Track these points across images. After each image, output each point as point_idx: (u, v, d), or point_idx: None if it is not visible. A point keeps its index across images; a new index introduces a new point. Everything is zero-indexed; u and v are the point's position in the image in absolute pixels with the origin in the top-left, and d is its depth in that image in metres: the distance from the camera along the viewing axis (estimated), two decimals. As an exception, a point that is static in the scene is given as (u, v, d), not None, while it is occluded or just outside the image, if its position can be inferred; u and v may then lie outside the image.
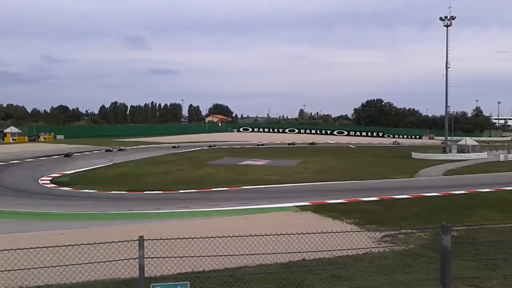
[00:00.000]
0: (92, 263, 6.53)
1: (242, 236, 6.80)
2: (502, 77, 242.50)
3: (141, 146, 62.50)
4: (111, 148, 54.23)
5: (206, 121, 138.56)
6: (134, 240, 5.86)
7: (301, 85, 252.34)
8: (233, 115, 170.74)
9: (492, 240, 8.17)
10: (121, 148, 56.01)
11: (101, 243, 6.06)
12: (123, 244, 6.17)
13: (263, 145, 66.62)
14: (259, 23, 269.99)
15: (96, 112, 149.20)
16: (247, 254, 7.25)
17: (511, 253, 7.83)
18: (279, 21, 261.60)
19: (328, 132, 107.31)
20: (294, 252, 7.67)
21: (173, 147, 58.72)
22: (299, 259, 9.42)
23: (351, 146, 71.28)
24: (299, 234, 6.78)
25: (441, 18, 50.39)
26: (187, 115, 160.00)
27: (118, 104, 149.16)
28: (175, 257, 6.61)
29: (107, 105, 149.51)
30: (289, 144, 70.47)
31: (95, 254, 6.48)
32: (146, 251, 5.87)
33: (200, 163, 41.39)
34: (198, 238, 6.49)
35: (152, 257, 6.18)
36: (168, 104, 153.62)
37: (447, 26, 49.99)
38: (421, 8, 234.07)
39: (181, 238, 6.28)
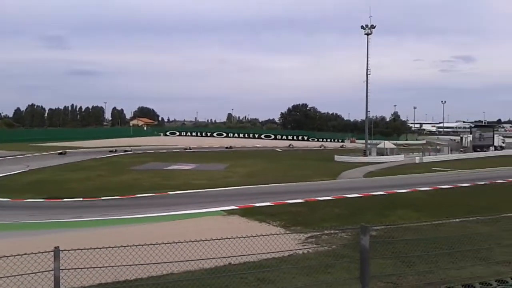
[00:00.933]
0: (1, 277, 6.01)
1: (166, 243, 6.62)
2: (418, 84, 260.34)
3: (60, 151, 59.19)
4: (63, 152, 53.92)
5: (131, 124, 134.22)
6: (49, 252, 5.50)
7: (229, 89, 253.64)
8: (159, 118, 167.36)
9: (408, 239, 8.64)
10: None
11: (11, 256, 5.59)
12: (38, 256, 5.74)
13: (190, 149, 65.95)
14: (186, 25, 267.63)
15: (11, 115, 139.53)
16: (172, 262, 7.07)
17: (425, 250, 8.31)
18: (207, 25, 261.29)
19: (256, 136, 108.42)
20: (220, 257, 7.59)
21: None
22: (225, 264, 9.34)
23: (278, 149, 72.61)
24: (226, 239, 6.73)
25: (362, 27, 52.56)
26: (110, 118, 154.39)
27: (35, 106, 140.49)
28: (94, 267, 6.28)
29: (23, 108, 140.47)
30: (226, 148, 71.23)
31: (6, 268, 5.97)
32: (63, 262, 5.53)
33: (123, 168, 40.01)
34: (119, 246, 6.21)
35: (69, 269, 5.83)
36: (90, 107, 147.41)
37: (367, 34, 52.30)
38: (344, 17, 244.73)
39: (101, 248, 5.99)
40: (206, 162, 47.32)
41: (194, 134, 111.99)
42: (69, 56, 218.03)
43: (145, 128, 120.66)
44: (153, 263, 7.10)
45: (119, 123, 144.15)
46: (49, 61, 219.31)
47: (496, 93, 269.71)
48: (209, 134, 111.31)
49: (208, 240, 6.59)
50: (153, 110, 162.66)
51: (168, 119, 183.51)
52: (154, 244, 6.37)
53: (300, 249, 11.64)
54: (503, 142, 67.21)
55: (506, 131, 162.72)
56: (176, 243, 6.58)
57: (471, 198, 23.38)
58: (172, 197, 25.28)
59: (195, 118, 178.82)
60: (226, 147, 72.06)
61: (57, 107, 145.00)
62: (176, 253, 6.98)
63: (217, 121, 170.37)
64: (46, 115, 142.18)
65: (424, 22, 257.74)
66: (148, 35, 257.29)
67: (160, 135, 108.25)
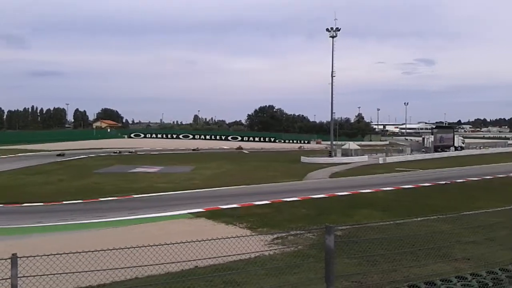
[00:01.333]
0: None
1: (129, 248, 6.47)
2: (381, 86, 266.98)
3: (19, 154, 57.27)
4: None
5: (94, 126, 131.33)
6: (6, 259, 5.27)
7: (195, 90, 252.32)
8: (124, 120, 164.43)
9: (372, 238, 8.77)
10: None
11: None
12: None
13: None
14: (151, 26, 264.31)
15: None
16: (136, 266, 6.91)
17: (388, 249, 8.45)
18: (173, 26, 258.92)
19: (223, 137, 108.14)
20: (187, 261, 7.49)
21: (58, 155, 54.81)
22: (192, 267, 9.23)
23: (245, 151, 72.61)
24: (191, 242, 6.64)
25: (327, 29, 53.21)
26: (73, 120, 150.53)
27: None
28: (54, 274, 6.06)
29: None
30: (193, 150, 70.74)
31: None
32: (21, 270, 5.31)
33: (86, 172, 39.02)
34: (81, 252, 6.02)
35: (27, 276, 5.61)
36: (51, 108, 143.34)
37: (332, 37, 52.99)
38: (310, 19, 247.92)
39: (62, 254, 5.78)
40: (171, 164, 46.78)
41: (159, 136, 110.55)
42: (29, 56, 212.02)
43: (108, 130, 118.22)
44: (116, 268, 6.93)
45: (82, 125, 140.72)
46: (8, 61, 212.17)
47: (456, 95, 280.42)
48: (175, 136, 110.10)
49: (173, 243, 6.47)
50: (117, 111, 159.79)
51: (133, 121, 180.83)
52: (117, 249, 6.20)
53: (267, 251, 11.64)
54: (463, 143, 69.60)
55: (466, 132, 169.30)
56: (140, 247, 6.44)
57: (432, 198, 24.03)
58: (136, 200, 24.80)
59: (161, 119, 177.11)
60: (193, 149, 71.50)
61: (16, 109, 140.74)
62: (140, 257, 6.84)
63: (183, 122, 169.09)
64: (5, 117, 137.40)
65: (386, 26, 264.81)
66: (112, 36, 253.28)
67: (124, 137, 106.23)
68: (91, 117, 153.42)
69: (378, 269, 9.11)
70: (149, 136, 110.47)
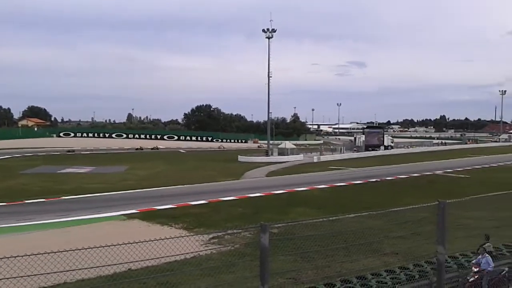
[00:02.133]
0: None
1: (57, 252, 6.11)
2: (316, 87, 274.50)
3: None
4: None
5: (19, 125, 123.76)
6: None
7: (129, 88, 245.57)
8: (52, 119, 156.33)
9: (307, 235, 8.93)
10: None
11: None
12: None
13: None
14: (83, 21, 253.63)
15: None
16: (64, 271, 6.54)
17: (322, 245, 8.65)
18: (106, 21, 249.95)
19: (158, 137, 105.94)
20: (118, 264, 7.21)
21: None
22: (125, 270, 8.94)
23: (182, 151, 71.66)
24: (124, 244, 6.39)
25: (263, 30, 53.88)
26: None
27: None
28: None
29: None
30: (136, 149, 69.03)
31: None
32: None
33: (10, 173, 36.65)
34: (2, 258, 5.59)
35: None
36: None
37: (269, 38, 53.72)
38: (248, 20, 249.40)
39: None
40: (103, 164, 45.15)
41: (91, 135, 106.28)
42: None
43: (35, 129, 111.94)
44: (43, 274, 6.54)
45: (6, 124, 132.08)
46: None
47: (386, 97, 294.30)
48: (107, 135, 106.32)
49: (103, 246, 6.19)
50: (45, 109, 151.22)
51: (62, 120, 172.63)
52: (43, 254, 5.83)
53: (203, 251, 11.54)
54: (392, 142, 73.10)
55: (395, 131, 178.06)
56: (68, 251, 6.09)
57: (364, 195, 25.00)
58: (66, 202, 23.63)
59: (92, 118, 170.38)
60: (136, 148, 69.53)
61: None
62: (68, 262, 6.48)
63: (117, 121, 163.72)
64: None
65: (321, 28, 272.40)
66: (40, 30, 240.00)
67: (53, 136, 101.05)
68: (16, 115, 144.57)
69: (312, 265, 9.31)
70: (80, 135, 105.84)
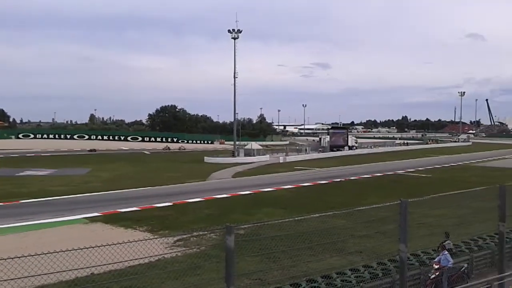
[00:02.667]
0: None
1: (14, 258, 5.86)
2: (282, 88, 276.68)
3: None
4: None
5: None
6: None
7: (91, 88, 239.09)
8: (11, 119, 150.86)
9: (273, 235, 8.94)
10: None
11: None
12: None
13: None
14: (43, 19, 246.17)
15: None
16: (22, 277, 6.29)
17: (288, 245, 8.68)
18: (67, 19, 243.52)
19: (122, 138, 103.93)
20: (80, 268, 7.02)
21: None
22: (87, 274, 8.71)
23: (146, 152, 70.57)
24: (85, 248, 6.22)
25: (229, 31, 53.73)
26: None
27: None
28: None
29: None
30: (89, 151, 66.92)
31: None
32: None
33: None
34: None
35: None
36: None
37: (234, 38, 53.62)
38: (213, 20, 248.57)
39: None
40: (65, 166, 43.89)
41: (51, 136, 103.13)
42: None
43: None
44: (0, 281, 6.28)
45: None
46: None
47: (350, 98, 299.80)
48: (68, 136, 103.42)
49: (63, 251, 6.00)
50: (2, 110, 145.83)
51: (21, 121, 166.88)
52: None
53: (168, 253, 11.39)
54: (356, 142, 74.38)
55: (359, 132, 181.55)
56: (26, 256, 5.87)
57: (329, 194, 25.33)
58: (25, 206, 22.79)
59: (53, 119, 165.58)
60: (89, 150, 67.73)
61: None
62: (26, 267, 6.25)
63: (78, 122, 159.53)
64: None
65: (286, 29, 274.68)
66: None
67: (11, 138, 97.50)
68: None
69: (278, 265, 9.34)
70: (40, 136, 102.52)
